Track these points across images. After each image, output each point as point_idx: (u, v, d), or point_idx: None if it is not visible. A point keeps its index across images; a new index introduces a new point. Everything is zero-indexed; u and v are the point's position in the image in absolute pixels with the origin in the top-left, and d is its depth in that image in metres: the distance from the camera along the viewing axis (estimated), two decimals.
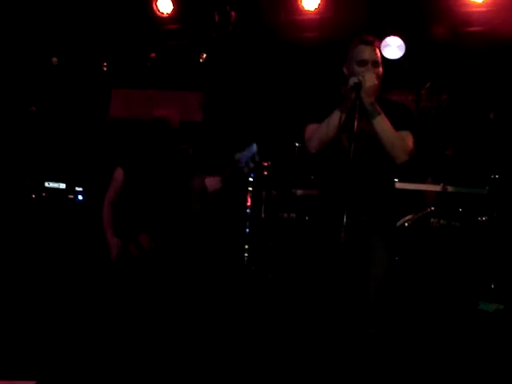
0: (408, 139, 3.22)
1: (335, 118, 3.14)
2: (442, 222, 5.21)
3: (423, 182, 5.84)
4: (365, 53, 3.23)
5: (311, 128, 3.30)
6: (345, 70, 3.30)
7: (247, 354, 4.20)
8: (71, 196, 7.21)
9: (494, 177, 5.43)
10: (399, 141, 3.18)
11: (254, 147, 3.63)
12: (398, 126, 3.19)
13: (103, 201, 3.97)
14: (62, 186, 7.21)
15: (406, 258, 5.08)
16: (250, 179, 6.63)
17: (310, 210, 5.91)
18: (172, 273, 3.78)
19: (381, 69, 3.27)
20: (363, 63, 3.21)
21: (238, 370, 3.73)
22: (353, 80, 3.08)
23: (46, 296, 5.03)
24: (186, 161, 3.99)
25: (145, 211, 3.80)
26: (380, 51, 3.30)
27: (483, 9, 6.21)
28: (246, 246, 6.15)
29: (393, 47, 6.47)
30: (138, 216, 3.80)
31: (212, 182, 3.70)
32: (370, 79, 3.09)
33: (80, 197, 7.24)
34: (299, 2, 6.56)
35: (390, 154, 3.18)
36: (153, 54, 7.57)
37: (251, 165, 3.64)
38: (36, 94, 7.95)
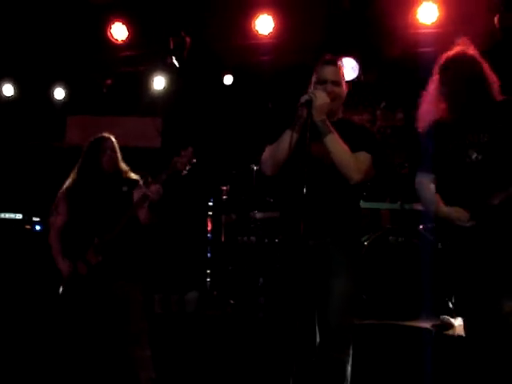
0: (363, 160, 3.19)
1: (286, 138, 3.11)
2: (400, 239, 5.25)
3: (382, 202, 5.88)
4: (326, 72, 3.27)
5: (266, 150, 3.29)
6: None
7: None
8: (28, 226, 7.07)
9: None
10: (352, 161, 3.14)
11: (190, 149, 3.79)
12: (355, 146, 3.17)
13: (49, 227, 4.04)
14: (19, 216, 7.07)
15: (367, 276, 5.10)
16: (210, 203, 6.62)
17: (269, 233, 5.91)
18: (118, 288, 3.80)
19: (342, 88, 3.30)
20: (323, 82, 3.24)
21: None
22: (304, 97, 3.08)
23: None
24: (127, 179, 4.02)
25: (89, 229, 3.86)
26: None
27: (433, 30, 6.38)
28: (208, 271, 6.12)
29: (347, 68, 6.57)
30: (84, 235, 3.87)
31: (153, 191, 3.72)
32: (321, 97, 3.09)
33: (38, 227, 7.10)
34: (253, 27, 6.61)
35: (342, 173, 3.14)
36: (109, 81, 7.52)
37: (187, 167, 3.78)
38: None
